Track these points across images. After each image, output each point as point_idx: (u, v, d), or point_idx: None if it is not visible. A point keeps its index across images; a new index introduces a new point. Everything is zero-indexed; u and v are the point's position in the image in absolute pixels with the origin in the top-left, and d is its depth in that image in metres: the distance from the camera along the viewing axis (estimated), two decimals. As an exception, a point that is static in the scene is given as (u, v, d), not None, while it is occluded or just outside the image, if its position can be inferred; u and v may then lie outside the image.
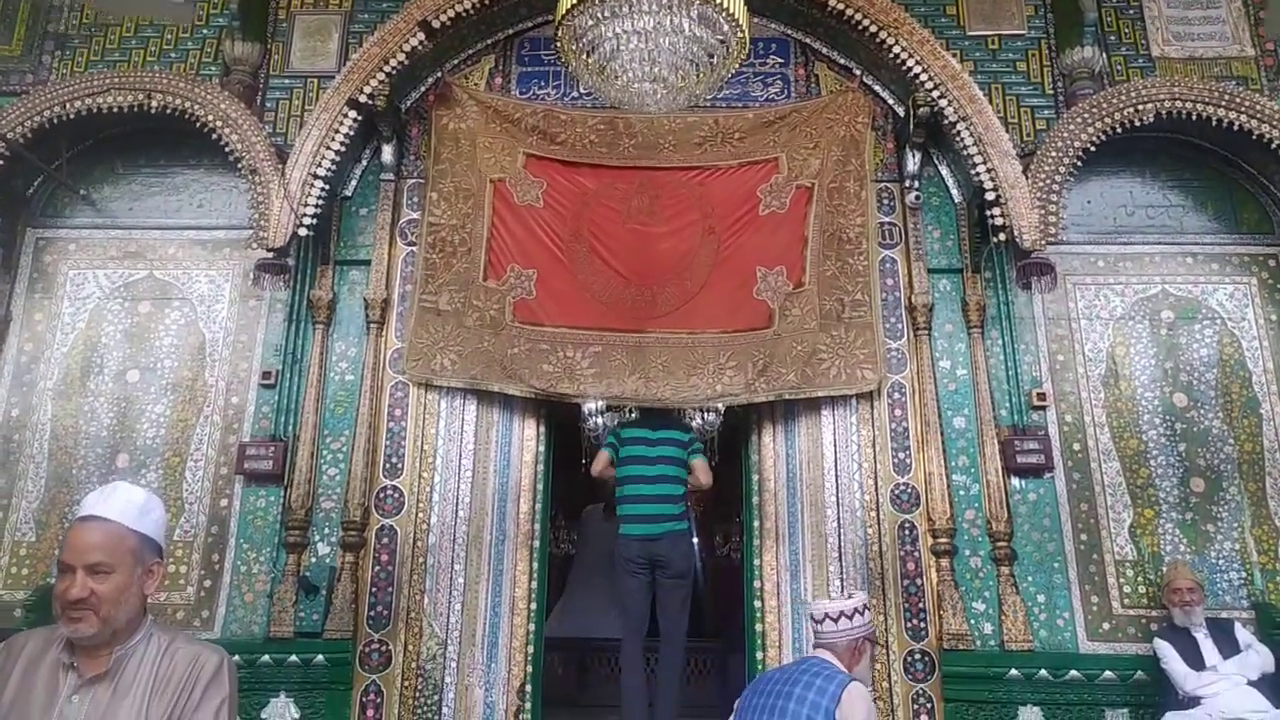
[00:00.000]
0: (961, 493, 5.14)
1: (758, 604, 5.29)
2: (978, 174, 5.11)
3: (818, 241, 5.48)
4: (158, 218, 5.72)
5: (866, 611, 3.17)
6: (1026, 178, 5.07)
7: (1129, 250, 5.61)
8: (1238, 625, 4.65)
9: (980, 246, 5.42)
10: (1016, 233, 4.96)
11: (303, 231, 5.10)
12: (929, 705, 4.83)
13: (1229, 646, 4.50)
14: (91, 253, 5.67)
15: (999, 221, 5.03)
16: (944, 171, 5.69)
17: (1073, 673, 4.75)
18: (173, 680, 1.96)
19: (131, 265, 5.62)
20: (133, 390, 5.39)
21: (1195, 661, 4.44)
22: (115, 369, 5.43)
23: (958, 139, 5.19)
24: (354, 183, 5.70)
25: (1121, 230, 5.65)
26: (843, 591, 4.97)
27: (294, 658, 4.77)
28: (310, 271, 5.49)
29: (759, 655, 5.20)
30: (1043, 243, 4.97)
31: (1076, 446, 5.24)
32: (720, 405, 6.29)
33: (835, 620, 3.11)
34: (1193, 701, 4.35)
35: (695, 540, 5.18)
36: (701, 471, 5.17)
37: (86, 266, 5.64)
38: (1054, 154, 5.15)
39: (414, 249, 5.55)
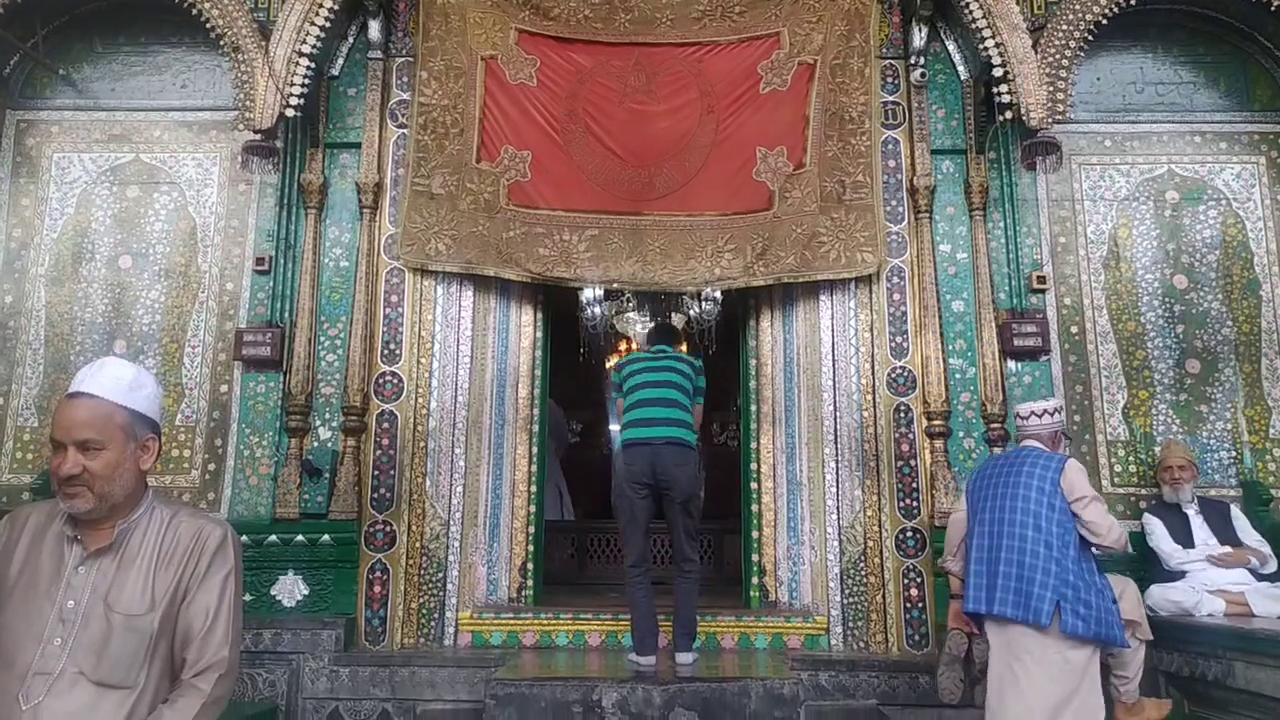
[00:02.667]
0: (958, 376, 5.16)
1: (754, 486, 5.39)
2: (985, 48, 4.94)
3: (819, 121, 5.34)
4: (141, 98, 5.57)
5: (1059, 413, 3.85)
6: (1036, 53, 4.91)
7: (1137, 129, 5.50)
8: (1234, 508, 4.73)
9: (985, 126, 5.30)
10: (1024, 110, 4.84)
11: (290, 112, 4.96)
12: (918, 580, 4.97)
13: (1223, 527, 4.59)
14: (75, 135, 5.53)
15: (1006, 99, 4.90)
16: (950, 47, 5.51)
17: (1060, 548, 4.86)
18: (177, 552, 1.98)
19: (117, 148, 5.50)
20: (126, 276, 5.34)
21: (1184, 536, 4.54)
22: (107, 255, 5.37)
23: (966, 11, 5.00)
24: (341, 61, 5.51)
25: (1130, 108, 5.52)
26: (850, 478, 5.05)
27: (300, 538, 4.88)
28: (299, 155, 5.36)
29: (754, 535, 5.33)
30: (1050, 121, 4.86)
31: (1074, 329, 5.24)
32: (718, 293, 6.28)
33: (1040, 417, 3.80)
34: (1179, 574, 4.47)
35: (702, 469, 4.70)
36: (700, 411, 4.80)
37: (71, 150, 5.51)
38: (1065, 28, 4.98)
39: (405, 131, 5.42)
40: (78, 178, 5.48)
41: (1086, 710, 3.32)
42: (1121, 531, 3.60)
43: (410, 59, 5.51)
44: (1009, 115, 4.93)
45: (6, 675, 1.80)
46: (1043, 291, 5.25)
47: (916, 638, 4.90)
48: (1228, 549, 4.45)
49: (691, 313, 7.67)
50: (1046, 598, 3.31)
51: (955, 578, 3.90)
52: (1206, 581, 4.37)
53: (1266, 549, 4.52)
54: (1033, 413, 3.82)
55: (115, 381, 1.95)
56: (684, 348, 4.89)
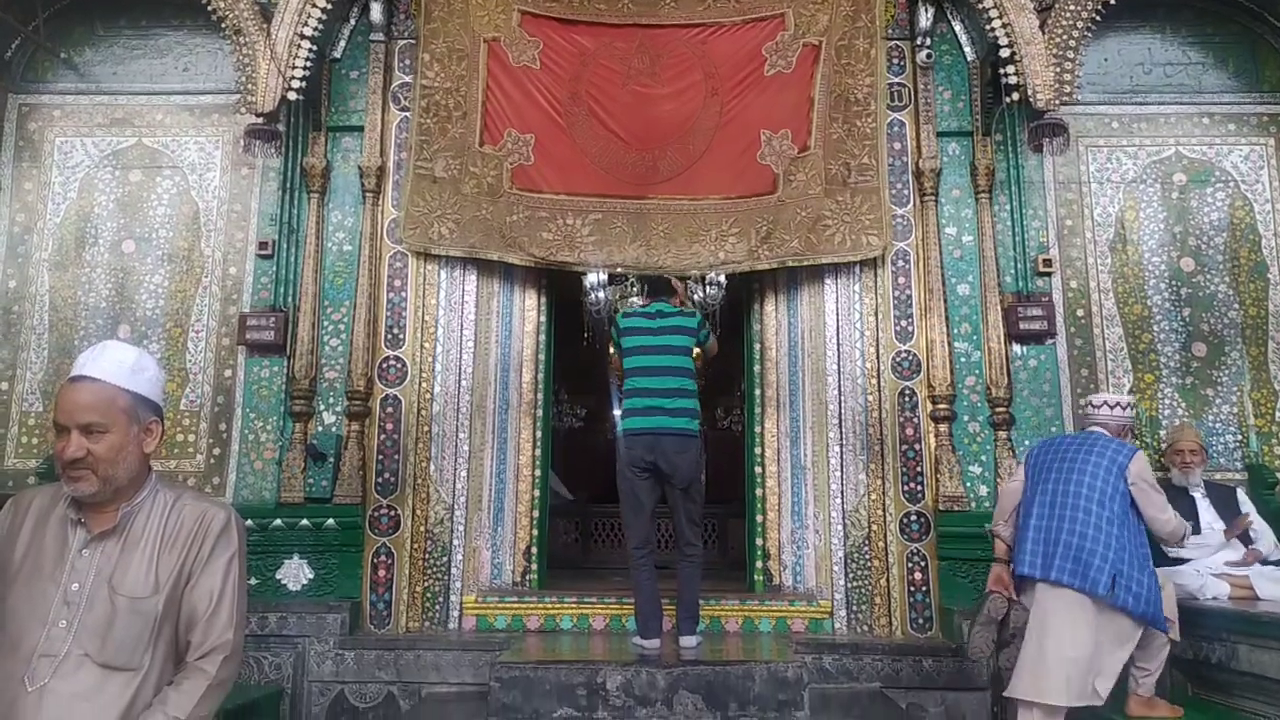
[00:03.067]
0: (963, 359, 5.14)
1: (758, 470, 5.38)
2: (992, 29, 4.90)
3: (824, 103, 5.31)
4: (143, 82, 5.55)
5: (1131, 409, 4.00)
6: (1043, 33, 4.87)
7: (1144, 110, 5.45)
8: (1240, 492, 4.71)
9: (992, 108, 5.26)
10: (1030, 92, 4.80)
11: (291, 95, 4.94)
12: (922, 563, 4.97)
13: (1229, 510, 4.57)
14: (78, 119, 5.52)
15: (1013, 80, 4.86)
16: (957, 28, 5.45)
17: (1065, 531, 4.86)
18: (180, 535, 1.98)
19: (119, 132, 5.49)
20: (129, 261, 5.34)
21: (1191, 521, 4.52)
22: (110, 239, 5.37)
23: (973, -10, 4.96)
24: (343, 44, 5.48)
25: (1138, 90, 5.48)
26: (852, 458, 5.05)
27: (305, 522, 4.89)
28: (302, 138, 5.34)
29: (759, 519, 5.32)
30: (1057, 102, 4.82)
31: (1080, 312, 5.22)
32: (722, 277, 6.25)
33: (1112, 408, 3.93)
34: (1183, 559, 4.45)
35: (704, 452, 4.58)
36: (714, 343, 4.79)
37: (74, 134, 5.50)
38: (1072, 8, 4.93)
39: (408, 114, 5.40)
40: (80, 162, 5.47)
41: (1109, 676, 3.43)
42: (1180, 524, 3.72)
43: (412, 41, 5.48)
44: (1016, 97, 4.89)
45: (12, 658, 1.81)
46: (1049, 275, 5.22)
47: (920, 621, 4.90)
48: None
49: (695, 297, 7.67)
50: (1105, 570, 3.44)
51: (1002, 542, 3.96)
52: (1209, 564, 4.36)
53: (1271, 536, 4.51)
54: (1105, 403, 3.95)
55: (117, 365, 1.95)
56: (678, 301, 4.71)
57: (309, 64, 4.99)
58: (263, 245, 5.27)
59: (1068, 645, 3.45)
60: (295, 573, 4.87)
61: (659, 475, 4.34)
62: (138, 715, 1.85)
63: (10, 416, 5.20)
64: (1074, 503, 3.59)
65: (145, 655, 1.88)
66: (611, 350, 5.03)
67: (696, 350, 4.65)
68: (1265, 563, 4.39)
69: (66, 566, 1.89)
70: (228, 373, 5.20)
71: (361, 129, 5.37)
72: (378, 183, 5.31)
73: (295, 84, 4.93)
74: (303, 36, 4.96)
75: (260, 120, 4.93)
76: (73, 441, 1.88)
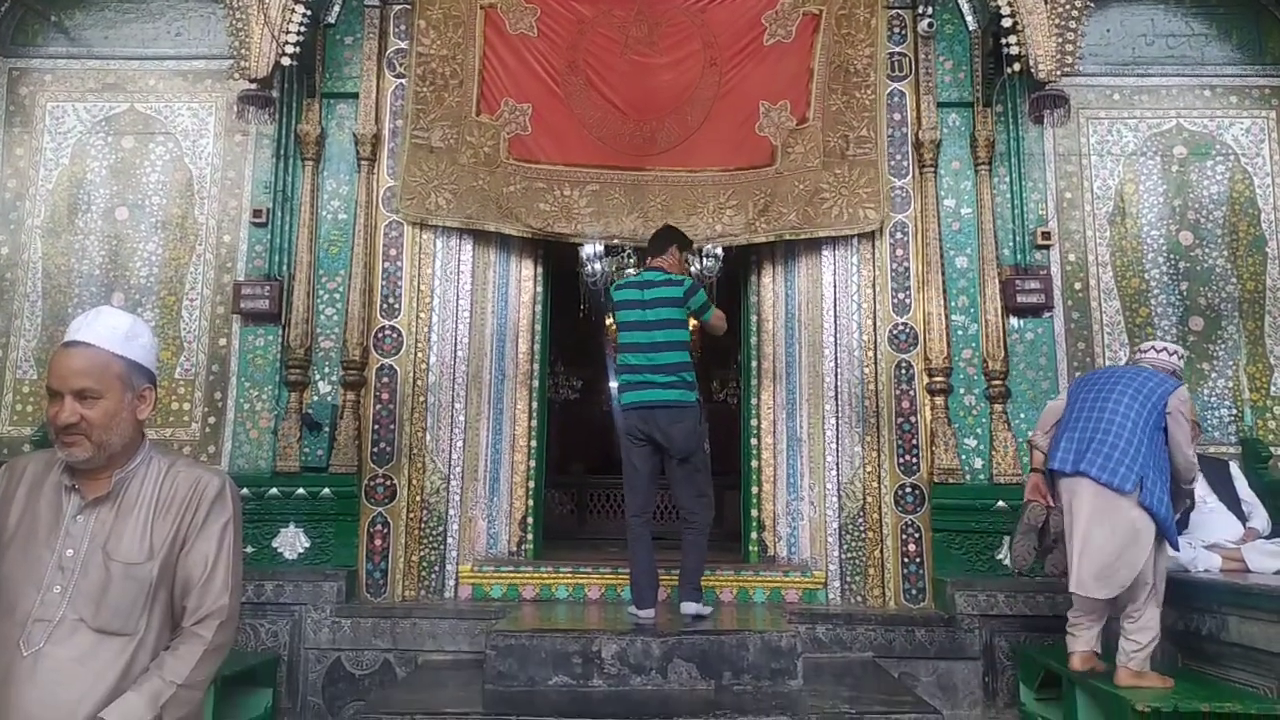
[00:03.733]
0: (960, 332, 5.14)
1: (754, 441, 5.39)
2: (995, -2, 4.85)
3: (824, 74, 5.26)
4: (135, 46, 5.47)
5: (1179, 358, 4.08)
6: (1045, 3, 4.81)
7: (1146, 82, 5.41)
8: (1233, 466, 4.73)
9: (993, 79, 5.22)
10: (1032, 62, 4.75)
11: (285, 61, 4.87)
12: (916, 535, 4.99)
13: (1222, 485, 4.59)
14: (69, 84, 5.45)
15: (1014, 50, 4.81)
16: (959, -4, 5.40)
17: (1059, 505, 4.89)
18: (175, 501, 1.97)
19: (111, 98, 5.42)
20: (122, 228, 5.30)
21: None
22: (103, 206, 5.32)
23: (975, -40, 4.91)
24: (337, 9, 5.40)
25: (1139, 61, 5.44)
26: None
27: (301, 491, 4.90)
28: (296, 105, 5.29)
29: (754, 490, 5.34)
30: (1059, 73, 4.78)
31: (1078, 286, 5.21)
32: (719, 249, 6.22)
33: (1158, 352, 4.03)
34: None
35: (704, 421, 4.41)
36: (717, 321, 4.60)
37: (65, 99, 5.44)
38: (1076, -23, 4.87)
39: (403, 81, 5.34)
40: (72, 128, 5.40)
41: (1131, 568, 3.56)
42: (1194, 464, 3.83)
43: (408, 6, 5.41)
44: (1017, 67, 4.85)
45: (7, 622, 1.81)
46: (1047, 248, 5.21)
47: (914, 592, 4.93)
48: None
49: (693, 270, 7.65)
50: (1134, 470, 3.59)
51: (1040, 452, 4.05)
52: (1204, 536, 4.38)
53: (1262, 512, 4.53)
54: (1153, 348, 4.08)
55: (111, 331, 1.94)
56: (676, 253, 4.55)
57: (303, 29, 4.92)
58: (257, 213, 5.23)
59: (1097, 538, 3.59)
60: (291, 541, 4.89)
61: (656, 446, 4.33)
62: (134, 679, 1.85)
63: (4, 384, 5.18)
64: (1111, 416, 3.72)
65: (140, 620, 1.88)
66: (609, 321, 4.99)
67: (693, 321, 4.58)
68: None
69: (61, 532, 1.89)
70: (222, 341, 5.18)
71: (356, 96, 5.31)
72: (373, 150, 5.27)
73: (289, 49, 4.86)
74: (296, 1, 4.89)
75: (254, 86, 4.87)
76: (66, 407, 1.87)
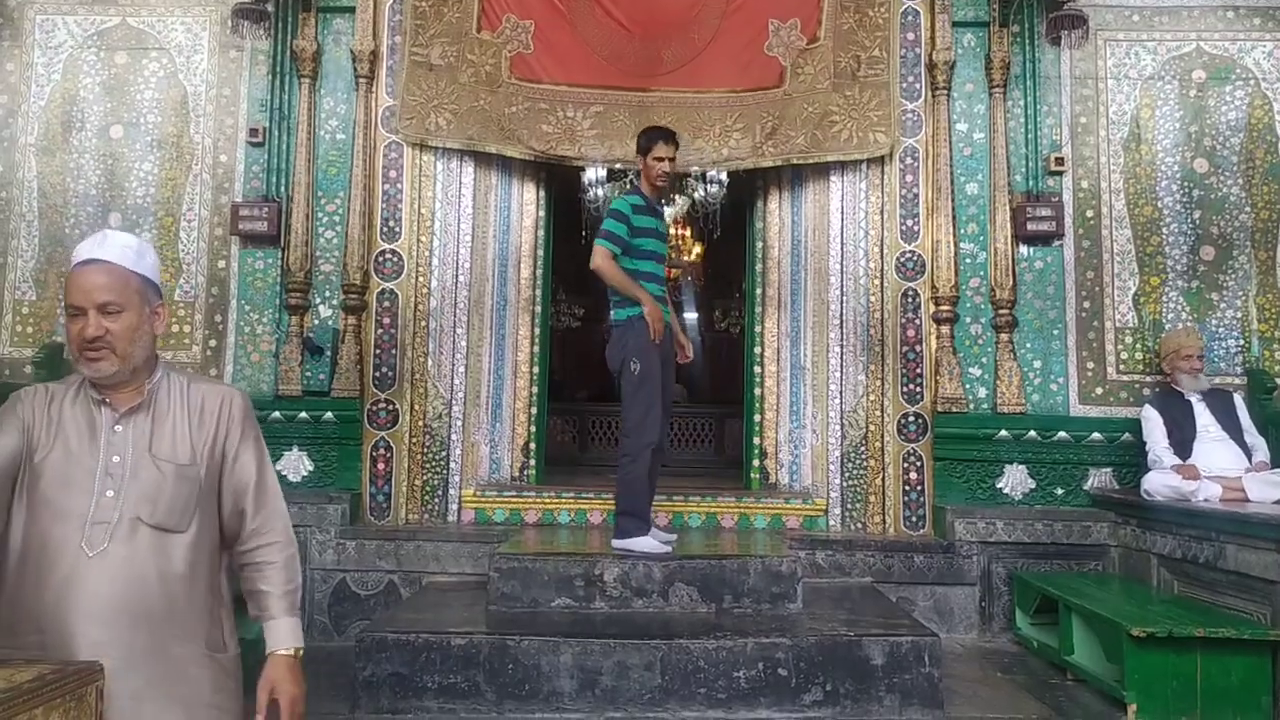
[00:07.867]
0: (968, 260, 5.07)
1: (757, 369, 5.38)
2: (1015, -89, 4.67)
3: (836, -10, 5.09)
4: (123, -43, 5.29)
5: None
6: (1068, -83, 4.64)
7: (1166, 3, 5.22)
8: (1237, 397, 4.71)
9: (1010, -3, 5.05)
10: (1051, -21, 4.60)
11: (280, -28, 4.72)
12: (918, 464, 5.00)
13: (1226, 415, 4.58)
14: (57, -4, 5.29)
15: (1033, -34, 4.65)
16: (978, -91, 5.20)
17: (1061, 434, 4.89)
18: (206, 413, 2.03)
19: (102, 11, 5.26)
20: (117, 147, 5.19)
21: (1188, 425, 4.53)
22: (97, 124, 5.21)
23: None
24: (333, -82, 5.22)
25: (1161, -20, 5.25)
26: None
27: (304, 414, 4.90)
28: (291, 19, 5.13)
29: (756, 419, 5.34)
30: (1079, -10, 4.62)
31: (1089, 213, 5.12)
32: (724, 174, 6.11)
33: None
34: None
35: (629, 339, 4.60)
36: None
37: (54, 12, 5.27)
38: (1101, -111, 4.68)
39: (402, -5, 5.18)
40: (63, 42, 5.26)
41: None
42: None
43: (405, -84, 5.21)
44: (1036, -16, 4.69)
45: (62, 527, 1.85)
46: (1060, 174, 5.10)
47: (914, 519, 4.97)
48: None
49: (697, 195, 7.53)
50: None
51: None
52: (1205, 466, 4.38)
53: (1264, 444, 4.53)
54: None
55: (123, 249, 1.98)
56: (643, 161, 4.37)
57: (297, -61, 4.76)
58: (253, 132, 5.12)
59: None
60: (295, 464, 4.91)
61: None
62: (198, 575, 1.93)
63: (3, 305, 5.14)
64: None
65: (191, 519, 1.95)
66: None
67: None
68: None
69: (101, 442, 1.93)
70: (221, 264, 5.13)
71: (353, 10, 5.14)
72: (371, 68, 5.13)
73: (283, -40, 4.71)
74: (290, -91, 4.71)
75: (247, -1, 4.73)
76: (91, 321, 1.90)
